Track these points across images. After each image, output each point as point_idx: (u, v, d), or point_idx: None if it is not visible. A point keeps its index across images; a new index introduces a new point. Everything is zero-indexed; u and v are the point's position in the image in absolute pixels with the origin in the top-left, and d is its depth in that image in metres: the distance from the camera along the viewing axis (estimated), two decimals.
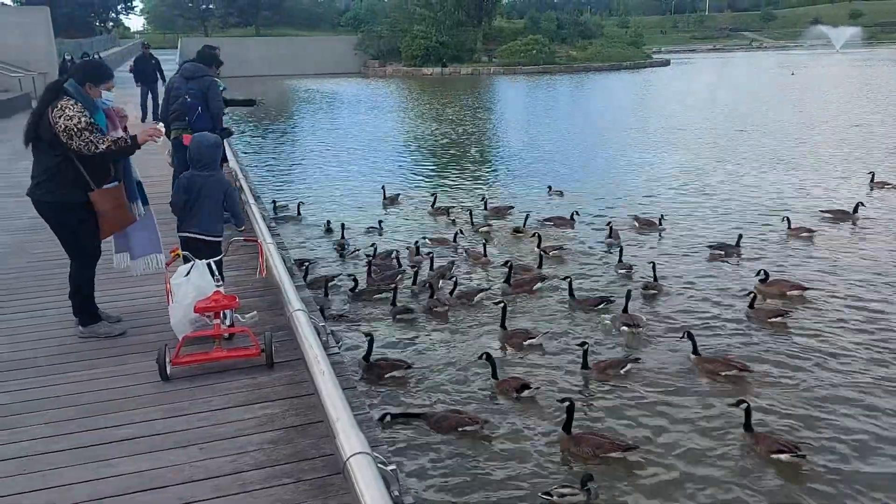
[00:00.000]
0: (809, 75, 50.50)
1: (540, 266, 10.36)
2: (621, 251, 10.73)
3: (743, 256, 11.02)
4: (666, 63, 74.56)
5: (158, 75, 20.92)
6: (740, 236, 11.40)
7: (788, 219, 12.12)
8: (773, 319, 8.39)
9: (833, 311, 8.75)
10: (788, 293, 9.13)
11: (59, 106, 5.15)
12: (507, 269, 9.87)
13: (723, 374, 7.11)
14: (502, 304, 8.35)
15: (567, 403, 6.03)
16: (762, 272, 9.49)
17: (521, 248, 11.79)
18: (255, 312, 5.93)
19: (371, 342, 7.36)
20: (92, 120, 5.24)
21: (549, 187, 15.97)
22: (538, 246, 11.10)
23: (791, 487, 5.45)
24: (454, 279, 9.80)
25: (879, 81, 43.07)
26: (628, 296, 8.73)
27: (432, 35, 68.51)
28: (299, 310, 5.08)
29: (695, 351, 7.40)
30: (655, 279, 9.63)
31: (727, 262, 10.74)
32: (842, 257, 10.75)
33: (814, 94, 36.02)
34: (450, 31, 70.75)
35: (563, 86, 49.34)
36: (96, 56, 26.76)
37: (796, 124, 25.26)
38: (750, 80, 48.04)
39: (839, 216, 12.81)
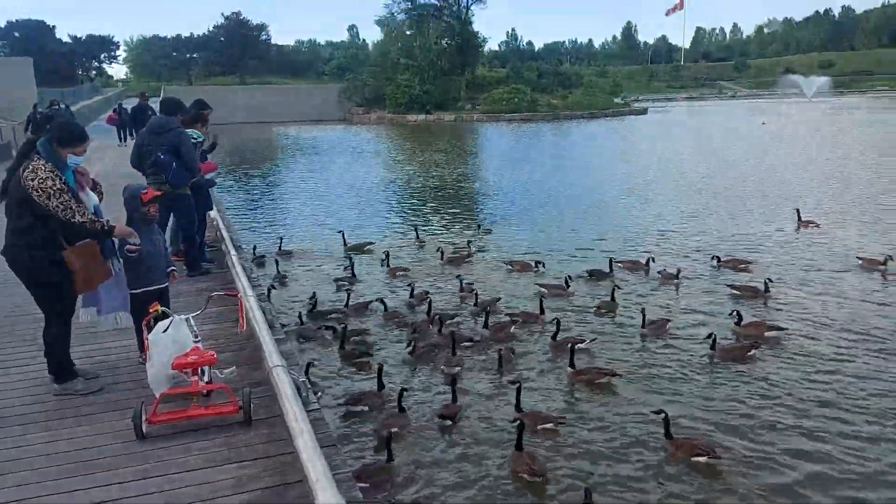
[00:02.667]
0: (781, 123, 51.83)
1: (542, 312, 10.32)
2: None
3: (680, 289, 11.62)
4: (644, 111, 76.01)
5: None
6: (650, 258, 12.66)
7: (718, 257, 12.89)
8: (737, 362, 8.54)
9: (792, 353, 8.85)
10: (766, 334, 9.24)
11: (31, 167, 5.12)
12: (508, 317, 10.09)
13: (596, 381, 7.96)
14: (517, 385, 7.57)
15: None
16: (736, 313, 9.61)
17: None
18: (234, 368, 5.83)
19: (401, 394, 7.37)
20: (65, 180, 5.23)
21: (479, 225, 16.98)
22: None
23: (709, 488, 5.98)
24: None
25: (847, 129, 44.26)
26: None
27: (416, 83, 69.61)
28: (279, 366, 5.02)
29: (571, 364, 8.21)
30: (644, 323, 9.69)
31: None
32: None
33: (782, 142, 36.98)
34: (434, 79, 71.97)
35: (545, 133, 50.13)
36: (64, 106, 26.71)
37: (761, 170, 25.90)
38: (723, 128, 49.14)
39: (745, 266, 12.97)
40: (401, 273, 12.98)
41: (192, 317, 5.38)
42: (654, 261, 12.46)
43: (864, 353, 8.68)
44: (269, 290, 11.28)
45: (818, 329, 9.55)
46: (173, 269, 6.33)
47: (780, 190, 21.20)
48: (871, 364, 8.37)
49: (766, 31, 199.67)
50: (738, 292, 11.00)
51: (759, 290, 10.90)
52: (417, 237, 15.93)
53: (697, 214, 18.06)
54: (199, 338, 5.32)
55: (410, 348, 8.95)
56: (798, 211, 16.26)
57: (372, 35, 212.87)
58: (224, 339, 6.78)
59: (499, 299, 11.00)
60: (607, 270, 12.37)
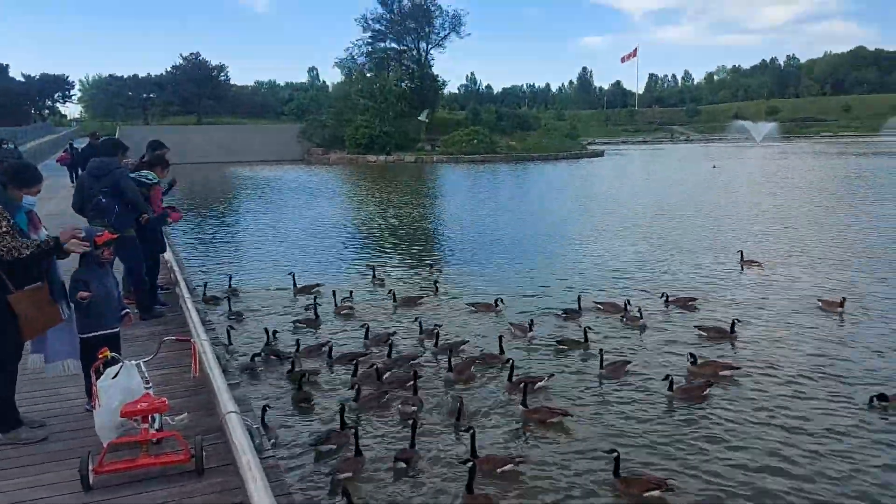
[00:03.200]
0: (731, 167, 53.54)
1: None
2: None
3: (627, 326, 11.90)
4: (600, 154, 77.70)
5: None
6: (627, 301, 12.64)
7: (667, 295, 13.18)
8: (693, 401, 8.65)
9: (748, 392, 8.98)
10: (721, 373, 9.37)
11: None
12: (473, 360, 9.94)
13: (548, 420, 7.97)
14: (472, 432, 7.39)
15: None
16: (690, 355, 9.75)
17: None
18: (186, 414, 5.69)
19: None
20: (14, 223, 5.11)
21: (430, 265, 17.09)
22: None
23: None
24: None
25: (794, 173, 45.94)
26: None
27: (376, 124, 70.17)
28: (232, 412, 4.92)
29: (523, 403, 8.24)
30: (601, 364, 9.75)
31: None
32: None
33: (732, 185, 38.16)
34: (393, 121, 72.64)
35: (504, 174, 50.86)
36: (12, 146, 26.13)
37: (711, 212, 26.63)
38: (675, 172, 50.67)
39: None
40: (345, 311, 12.91)
41: (144, 362, 5.26)
42: (630, 303, 12.49)
43: (819, 393, 8.86)
44: (228, 332, 11.13)
45: (774, 368, 9.71)
46: (128, 312, 6.20)
47: (727, 231, 21.81)
48: (825, 404, 8.53)
49: (715, 78, 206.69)
50: (704, 333, 11.14)
51: (726, 331, 11.06)
52: (374, 277, 15.88)
53: (650, 254, 18.41)
54: (150, 384, 5.19)
55: (355, 395, 8.75)
56: (741, 252, 16.79)
57: (332, 77, 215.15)
58: (176, 384, 6.61)
59: (466, 342, 10.96)
60: (577, 309, 12.55)
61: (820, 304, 12.50)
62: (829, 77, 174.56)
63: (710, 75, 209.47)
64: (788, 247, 18.81)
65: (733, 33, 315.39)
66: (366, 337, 11.18)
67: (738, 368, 9.49)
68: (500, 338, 10.64)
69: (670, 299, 13.08)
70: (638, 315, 11.95)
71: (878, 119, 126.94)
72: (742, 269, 16.13)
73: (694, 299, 13.15)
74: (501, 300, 13.16)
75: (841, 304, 12.12)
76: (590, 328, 11.16)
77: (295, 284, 14.81)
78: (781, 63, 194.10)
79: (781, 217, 24.63)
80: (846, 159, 58.90)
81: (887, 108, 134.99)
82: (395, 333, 11.33)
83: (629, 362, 9.82)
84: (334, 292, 13.70)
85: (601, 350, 9.97)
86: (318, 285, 14.92)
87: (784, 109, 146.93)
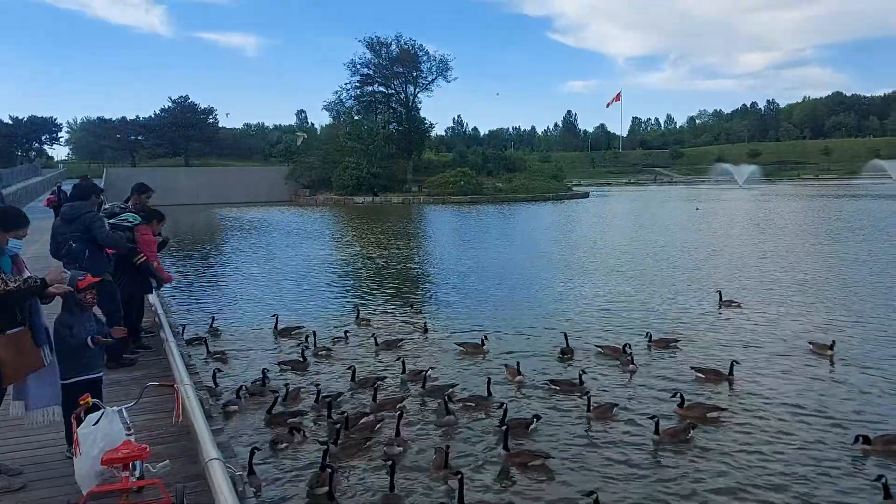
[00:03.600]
0: (714, 209, 54.09)
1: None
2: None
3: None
4: (586, 195, 78.41)
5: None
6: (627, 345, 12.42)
7: (651, 335, 13.26)
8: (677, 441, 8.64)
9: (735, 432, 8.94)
10: (708, 415, 9.26)
11: None
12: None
13: (529, 464, 7.90)
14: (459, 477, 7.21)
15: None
16: (679, 395, 9.70)
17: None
18: (168, 461, 5.56)
19: None
20: None
21: (411, 306, 16.88)
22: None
23: None
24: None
25: (775, 214, 46.61)
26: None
27: (364, 166, 70.67)
28: (215, 458, 4.84)
29: (505, 447, 8.14)
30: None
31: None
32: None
33: (714, 227, 38.52)
34: (381, 162, 73.23)
35: (491, 215, 51.16)
36: None
37: (693, 253, 26.85)
38: (659, 213, 51.31)
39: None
40: (322, 353, 12.80)
41: (126, 408, 5.19)
42: (630, 347, 12.30)
43: (807, 436, 8.80)
44: (214, 375, 11.01)
45: (762, 409, 9.69)
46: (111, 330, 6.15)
47: (708, 272, 21.96)
48: (811, 448, 8.47)
49: (697, 121, 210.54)
50: (701, 375, 11.03)
51: (723, 374, 10.97)
52: (359, 317, 15.77)
53: (632, 294, 18.48)
54: (132, 430, 5.10)
55: (334, 438, 8.50)
56: (720, 293, 16.93)
57: (320, 120, 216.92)
58: (159, 430, 6.49)
59: (455, 385, 10.82)
60: (567, 348, 12.61)
61: (810, 346, 12.40)
62: (808, 121, 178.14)
63: (692, 119, 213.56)
64: (768, 287, 18.95)
65: (714, 79, 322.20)
66: (352, 379, 11.07)
67: (724, 410, 9.42)
68: (489, 380, 10.56)
69: (653, 339, 13.13)
70: (630, 358, 11.82)
71: (856, 162, 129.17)
72: (720, 309, 16.24)
73: (677, 340, 13.19)
74: (486, 337, 13.16)
75: (831, 348, 12.03)
76: (583, 371, 11.08)
77: (276, 326, 14.69)
78: (762, 107, 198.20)
79: (762, 258, 24.87)
80: (827, 201, 59.74)
81: (865, 151, 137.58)
82: (384, 378, 11.18)
83: (616, 405, 9.76)
84: (314, 332, 13.64)
85: (587, 392, 9.94)
86: (299, 327, 14.79)
87: (765, 152, 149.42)
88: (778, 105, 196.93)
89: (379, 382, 10.76)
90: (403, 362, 11.71)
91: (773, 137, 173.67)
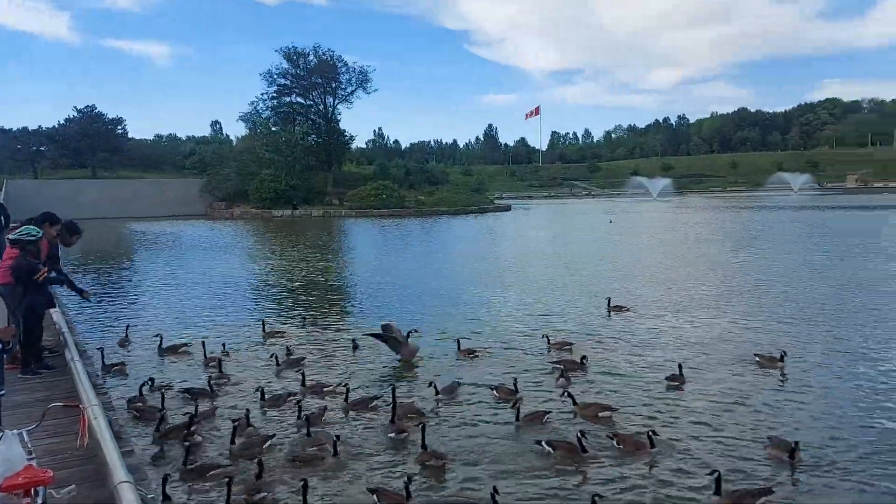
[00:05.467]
0: (627, 221, 55.73)
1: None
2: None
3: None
4: (508, 208, 79.45)
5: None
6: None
7: (549, 338, 13.62)
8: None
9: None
10: (600, 414, 9.44)
11: None
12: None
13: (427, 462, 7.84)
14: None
15: None
16: (569, 395, 9.83)
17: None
18: (73, 486, 5.10)
19: None
20: None
21: (263, 323, 15.62)
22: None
23: None
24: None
25: (683, 224, 48.66)
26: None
27: (282, 178, 69.35)
28: (124, 482, 4.41)
29: (423, 445, 8.08)
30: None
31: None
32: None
33: (625, 238, 39.61)
34: (300, 174, 72.05)
35: (413, 228, 50.96)
36: None
37: (600, 262, 27.45)
38: (576, 225, 52.65)
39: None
40: (212, 366, 12.18)
41: (27, 431, 4.88)
42: (587, 360, 11.98)
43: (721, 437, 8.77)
44: (140, 389, 10.33)
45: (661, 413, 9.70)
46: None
47: (609, 280, 22.50)
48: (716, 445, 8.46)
49: (613, 136, 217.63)
50: (673, 381, 10.86)
51: (677, 376, 10.93)
52: (264, 331, 15.03)
53: (543, 303, 18.73)
54: (34, 455, 4.70)
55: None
56: (609, 299, 17.41)
57: (236, 131, 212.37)
58: (63, 454, 6.08)
59: (378, 397, 10.32)
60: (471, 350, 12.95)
61: (758, 359, 12.07)
62: (717, 136, 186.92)
63: (608, 133, 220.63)
64: (661, 293, 19.64)
65: (628, 94, 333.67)
66: (262, 399, 10.30)
67: (616, 410, 9.55)
68: (394, 387, 10.32)
69: (551, 341, 13.47)
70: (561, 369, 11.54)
71: (761, 175, 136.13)
72: (609, 314, 16.75)
73: (571, 343, 13.43)
74: (416, 329, 13.32)
75: (781, 360, 11.78)
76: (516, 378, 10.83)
77: (160, 346, 13.75)
78: (673, 122, 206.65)
79: (661, 265, 25.74)
80: (734, 213, 62.51)
81: (770, 164, 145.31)
82: (296, 394, 10.55)
83: (548, 412, 9.52)
84: (203, 342, 13.23)
85: (517, 401, 9.74)
86: (184, 345, 13.88)
87: (677, 166, 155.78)
88: (688, 120, 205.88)
89: (292, 398, 10.23)
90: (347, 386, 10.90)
91: (685, 151, 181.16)
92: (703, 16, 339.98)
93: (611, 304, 17.21)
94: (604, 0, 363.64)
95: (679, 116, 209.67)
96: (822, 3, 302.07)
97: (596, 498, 6.57)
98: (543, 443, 8.26)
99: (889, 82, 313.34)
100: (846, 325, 14.88)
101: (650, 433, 8.37)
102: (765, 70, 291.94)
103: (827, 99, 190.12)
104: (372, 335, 13.09)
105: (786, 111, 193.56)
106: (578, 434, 8.23)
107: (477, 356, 12.87)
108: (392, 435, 8.80)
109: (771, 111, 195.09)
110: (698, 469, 7.74)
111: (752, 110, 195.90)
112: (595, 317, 16.57)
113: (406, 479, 7.10)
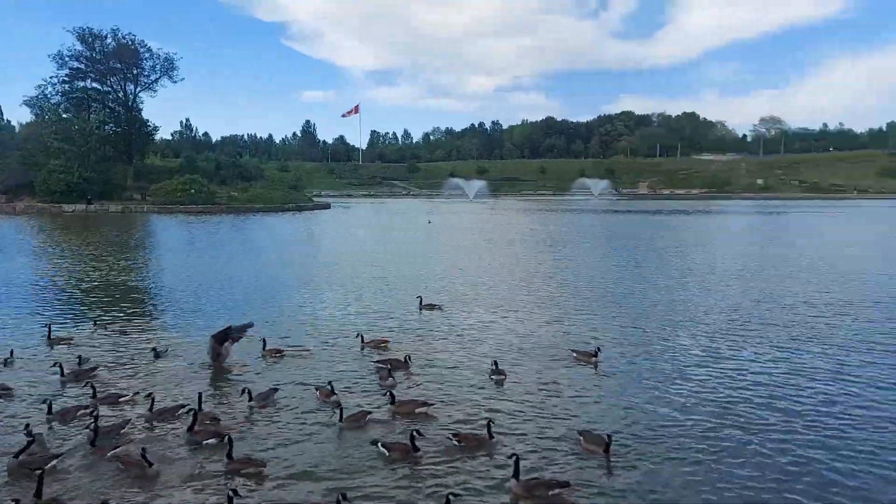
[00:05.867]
0: (445, 221, 56.56)
1: None
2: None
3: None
4: (327, 206, 77.56)
5: None
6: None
7: (363, 336, 13.38)
8: None
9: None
10: (417, 411, 9.34)
11: None
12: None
13: (242, 471, 7.45)
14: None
15: None
16: (389, 394, 9.64)
17: None
18: None
19: None
20: None
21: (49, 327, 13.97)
22: None
23: None
24: None
25: (498, 225, 50.32)
26: None
27: (75, 170, 62.46)
28: None
29: (229, 455, 7.63)
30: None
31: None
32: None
33: (441, 238, 39.97)
34: (96, 166, 65.41)
35: (224, 226, 47.70)
36: None
37: (416, 262, 27.38)
38: (395, 224, 52.47)
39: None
40: None
41: None
42: (410, 358, 11.77)
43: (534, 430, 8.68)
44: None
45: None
46: None
47: (426, 279, 22.38)
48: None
49: (432, 138, 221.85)
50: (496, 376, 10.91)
51: (498, 370, 11.00)
52: (50, 337, 13.30)
53: (362, 302, 18.21)
54: None
55: None
56: (420, 298, 17.39)
57: (20, 116, 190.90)
58: None
59: (184, 405, 9.31)
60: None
61: (574, 355, 12.11)
62: (527, 142, 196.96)
63: (427, 135, 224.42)
64: (484, 291, 19.76)
65: (446, 97, 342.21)
66: (49, 412, 9.12)
67: (432, 405, 9.48)
68: (200, 394, 9.53)
69: (365, 340, 13.17)
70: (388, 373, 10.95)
71: (567, 180, 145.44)
72: (421, 311, 16.67)
73: (386, 341, 13.29)
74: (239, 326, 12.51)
75: (595, 355, 11.88)
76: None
77: None
78: (488, 127, 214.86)
79: (481, 265, 26.04)
80: (544, 215, 65.62)
81: (574, 170, 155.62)
82: (87, 407, 9.33)
83: (369, 413, 9.21)
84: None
85: (338, 404, 9.40)
86: None
87: (492, 170, 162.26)
88: (502, 126, 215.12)
89: (84, 410, 9.18)
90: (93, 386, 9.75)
91: (499, 156, 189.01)
92: (512, 26, 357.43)
93: (423, 303, 17.20)
94: (422, 4, 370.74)
95: (493, 122, 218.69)
96: (618, 23, 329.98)
97: (450, 496, 6.59)
98: (379, 445, 8.01)
99: (675, 99, 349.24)
100: (648, 319, 15.75)
101: (489, 423, 8.51)
102: (570, 82, 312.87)
103: (623, 112, 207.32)
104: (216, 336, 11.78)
105: (588, 121, 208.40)
106: (413, 432, 8.06)
107: (283, 356, 12.35)
108: (196, 443, 8.27)
109: (575, 121, 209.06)
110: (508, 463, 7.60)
111: (559, 119, 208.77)
112: (410, 315, 16.34)
113: (231, 492, 6.63)
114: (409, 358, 11.72)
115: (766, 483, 7.30)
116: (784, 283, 21.17)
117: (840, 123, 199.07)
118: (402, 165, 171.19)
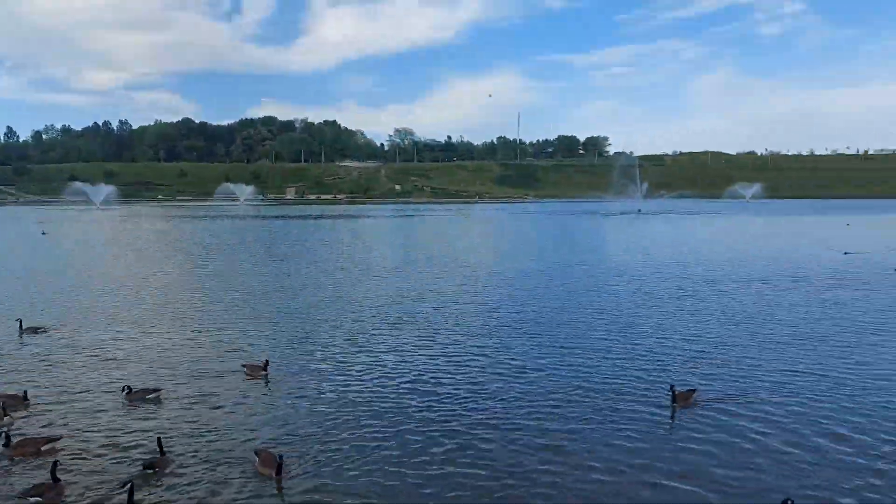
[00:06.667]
0: (63, 232, 50.34)
1: None
2: None
3: None
4: None
5: None
6: None
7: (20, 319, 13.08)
8: None
9: None
10: (43, 448, 8.44)
11: None
12: None
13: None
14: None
15: None
16: (6, 437, 8.47)
17: None
18: None
19: None
20: None
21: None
22: None
23: None
24: None
25: (125, 236, 45.77)
26: None
27: None
28: None
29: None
30: None
31: None
32: None
33: (58, 252, 34.70)
34: None
35: None
36: None
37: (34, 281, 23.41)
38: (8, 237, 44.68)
39: None
40: None
41: None
42: (28, 393, 10.32)
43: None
44: None
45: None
46: None
47: (22, 298, 19.62)
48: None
49: (44, 137, 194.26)
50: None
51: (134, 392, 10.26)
52: None
53: None
54: None
55: None
56: (20, 321, 15.30)
57: None
58: None
59: None
60: None
61: (244, 369, 11.75)
62: (163, 144, 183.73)
63: (38, 133, 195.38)
64: (87, 309, 17.91)
65: (61, 93, 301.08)
66: None
67: (59, 438, 8.63)
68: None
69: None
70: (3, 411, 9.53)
71: (211, 185, 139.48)
72: (21, 335, 14.71)
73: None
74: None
75: (264, 368, 11.59)
76: None
77: None
78: (115, 127, 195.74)
79: (111, 279, 23.55)
80: (186, 222, 61.44)
81: (217, 175, 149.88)
82: None
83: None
84: None
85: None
86: None
87: (122, 173, 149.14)
88: (131, 126, 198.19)
89: None
90: None
91: (130, 158, 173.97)
92: (141, 20, 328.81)
93: (23, 326, 15.09)
94: None
95: (122, 121, 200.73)
96: (255, 27, 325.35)
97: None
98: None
99: (318, 107, 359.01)
100: (311, 324, 15.72)
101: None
102: (209, 84, 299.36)
103: (266, 116, 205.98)
104: None
105: (230, 124, 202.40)
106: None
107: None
108: None
109: (216, 124, 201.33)
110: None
111: (197, 121, 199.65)
112: (8, 341, 14.27)
113: None
114: (27, 393, 10.30)
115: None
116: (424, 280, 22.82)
117: (461, 136, 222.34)
118: (6, 168, 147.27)
